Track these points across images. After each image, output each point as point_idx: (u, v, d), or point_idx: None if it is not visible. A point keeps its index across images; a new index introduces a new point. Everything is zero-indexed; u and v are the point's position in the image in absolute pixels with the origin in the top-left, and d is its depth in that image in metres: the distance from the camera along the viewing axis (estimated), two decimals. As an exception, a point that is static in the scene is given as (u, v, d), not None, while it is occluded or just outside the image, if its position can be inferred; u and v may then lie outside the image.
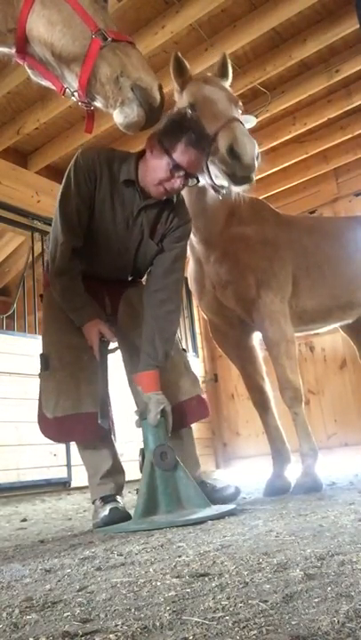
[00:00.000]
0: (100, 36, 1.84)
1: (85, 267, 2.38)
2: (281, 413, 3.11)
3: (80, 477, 2.47)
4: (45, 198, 5.10)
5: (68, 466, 4.32)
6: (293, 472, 2.93)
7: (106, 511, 2.18)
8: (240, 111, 2.65)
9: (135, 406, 2.35)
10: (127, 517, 2.12)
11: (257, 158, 2.41)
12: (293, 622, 0.76)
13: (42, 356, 2.39)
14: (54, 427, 2.29)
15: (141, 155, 2.27)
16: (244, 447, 5.90)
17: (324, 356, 5.69)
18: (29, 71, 2.01)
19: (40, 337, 4.64)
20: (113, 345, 2.37)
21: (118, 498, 2.27)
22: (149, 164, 2.20)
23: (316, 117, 4.98)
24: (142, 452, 2.15)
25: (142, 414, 2.17)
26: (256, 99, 4.70)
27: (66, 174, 2.29)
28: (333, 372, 5.61)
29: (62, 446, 4.32)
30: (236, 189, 2.56)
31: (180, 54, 2.76)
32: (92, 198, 2.27)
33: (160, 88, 1.95)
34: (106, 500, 2.25)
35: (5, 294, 6.09)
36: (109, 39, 1.85)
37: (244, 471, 5.67)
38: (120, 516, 2.13)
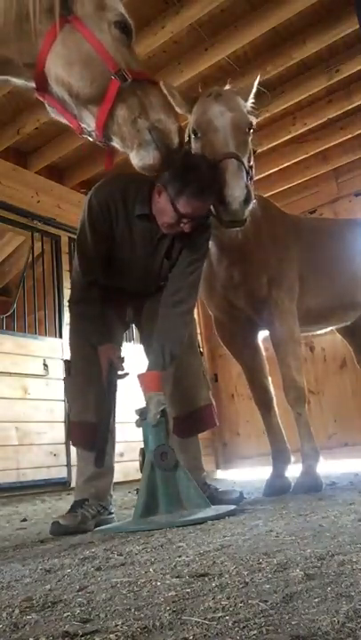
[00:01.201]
0: (120, 76, 1.79)
1: (110, 283, 2.46)
2: (281, 413, 3.11)
3: (80, 477, 2.49)
4: (45, 198, 5.10)
5: (68, 466, 4.32)
6: (293, 472, 2.93)
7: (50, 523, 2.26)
8: (251, 131, 2.51)
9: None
10: (64, 532, 2.13)
11: (246, 202, 2.25)
12: (293, 622, 0.76)
13: (65, 362, 2.52)
14: (72, 430, 2.47)
15: (154, 184, 2.26)
16: (244, 447, 5.90)
17: (324, 356, 5.69)
18: (48, 108, 1.98)
19: (40, 337, 4.70)
20: (122, 371, 2.43)
21: (87, 505, 2.29)
22: (158, 207, 2.22)
23: (316, 117, 4.97)
24: (142, 452, 2.15)
25: (143, 414, 2.18)
26: (256, 99, 4.69)
27: (81, 213, 2.35)
28: (333, 372, 5.61)
29: (62, 446, 4.33)
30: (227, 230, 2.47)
31: (163, 86, 2.27)
32: (110, 234, 2.33)
33: (180, 130, 1.91)
34: (72, 507, 2.32)
35: (5, 294, 6.09)
36: (129, 80, 1.81)
37: (244, 471, 5.66)
38: (57, 531, 2.15)
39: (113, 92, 1.79)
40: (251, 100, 2.65)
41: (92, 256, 2.35)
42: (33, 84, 1.89)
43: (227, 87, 2.70)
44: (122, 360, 2.38)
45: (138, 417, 2.19)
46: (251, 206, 2.30)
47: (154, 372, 2.24)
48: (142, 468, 2.12)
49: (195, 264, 2.37)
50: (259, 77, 2.73)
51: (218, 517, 1.95)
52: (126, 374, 2.38)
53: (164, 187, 2.16)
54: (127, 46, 1.90)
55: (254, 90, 2.66)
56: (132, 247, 2.35)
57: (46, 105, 1.97)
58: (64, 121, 1.97)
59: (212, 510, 2.05)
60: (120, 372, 2.37)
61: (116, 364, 2.35)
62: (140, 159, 1.87)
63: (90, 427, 2.34)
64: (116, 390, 2.38)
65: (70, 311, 2.55)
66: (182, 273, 2.36)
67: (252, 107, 2.64)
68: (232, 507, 2.17)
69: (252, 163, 2.51)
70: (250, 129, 2.51)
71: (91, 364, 2.38)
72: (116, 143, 1.92)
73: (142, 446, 2.16)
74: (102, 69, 1.80)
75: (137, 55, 1.99)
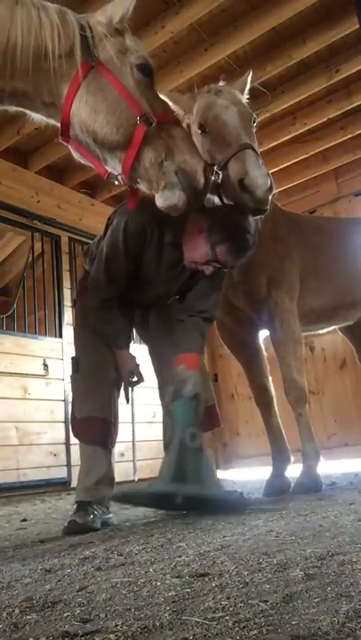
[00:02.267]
0: (145, 121, 1.80)
1: (128, 296, 2.47)
2: (281, 413, 3.11)
3: (80, 477, 2.48)
4: (45, 198, 5.10)
5: (68, 466, 4.33)
6: (293, 472, 2.93)
7: (66, 522, 2.23)
8: (255, 124, 2.50)
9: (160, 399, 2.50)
10: (82, 531, 2.12)
11: (270, 190, 2.25)
12: (293, 622, 0.76)
13: (73, 358, 2.52)
14: (79, 427, 2.42)
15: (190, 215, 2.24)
16: (244, 447, 5.90)
17: (325, 356, 5.69)
18: (73, 153, 1.99)
19: (40, 337, 4.70)
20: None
21: (95, 506, 2.28)
22: (192, 242, 2.23)
23: (316, 117, 4.97)
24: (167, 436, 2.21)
25: (176, 394, 2.17)
26: (256, 99, 4.69)
27: (114, 235, 2.31)
28: (333, 372, 5.61)
29: (62, 446, 4.33)
30: None
31: (165, 95, 2.35)
32: (139, 256, 2.34)
33: (205, 170, 1.93)
34: (80, 506, 2.30)
35: (5, 294, 6.09)
36: (154, 123, 1.82)
37: (244, 471, 5.66)
38: (75, 530, 2.14)
39: (139, 137, 1.81)
40: (246, 96, 2.65)
41: (121, 276, 2.37)
42: (52, 121, 1.91)
43: (220, 84, 2.71)
44: (139, 367, 2.45)
45: (169, 397, 2.21)
46: (272, 193, 2.31)
47: (194, 353, 2.30)
48: (168, 447, 2.17)
49: (215, 283, 2.42)
50: (250, 74, 2.72)
51: (230, 503, 2.06)
52: (142, 381, 2.42)
53: (207, 228, 2.17)
54: (149, 87, 1.91)
55: (248, 87, 2.66)
56: (157, 269, 2.38)
57: (70, 149, 1.97)
58: (89, 165, 1.97)
59: (227, 494, 2.15)
60: (134, 379, 2.43)
61: (136, 373, 2.41)
62: (164, 200, 1.89)
63: (109, 424, 2.36)
64: (132, 398, 2.47)
65: (84, 313, 2.54)
66: (202, 296, 2.42)
67: (247, 103, 2.64)
68: (239, 491, 2.27)
69: None
70: (254, 121, 2.52)
71: (103, 363, 2.41)
72: (142, 185, 1.93)
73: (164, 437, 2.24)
74: (128, 115, 1.81)
75: (158, 95, 2.00)
